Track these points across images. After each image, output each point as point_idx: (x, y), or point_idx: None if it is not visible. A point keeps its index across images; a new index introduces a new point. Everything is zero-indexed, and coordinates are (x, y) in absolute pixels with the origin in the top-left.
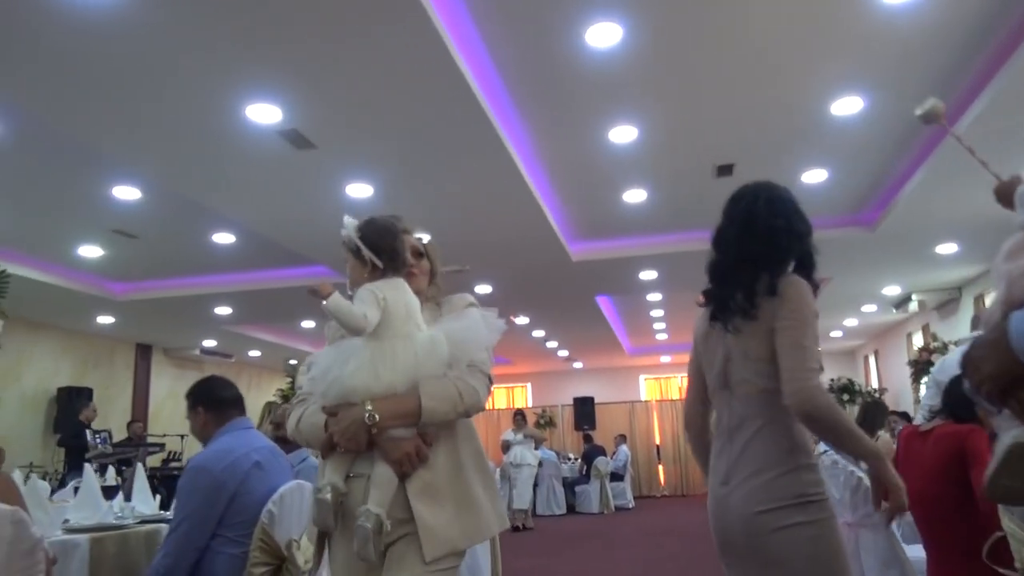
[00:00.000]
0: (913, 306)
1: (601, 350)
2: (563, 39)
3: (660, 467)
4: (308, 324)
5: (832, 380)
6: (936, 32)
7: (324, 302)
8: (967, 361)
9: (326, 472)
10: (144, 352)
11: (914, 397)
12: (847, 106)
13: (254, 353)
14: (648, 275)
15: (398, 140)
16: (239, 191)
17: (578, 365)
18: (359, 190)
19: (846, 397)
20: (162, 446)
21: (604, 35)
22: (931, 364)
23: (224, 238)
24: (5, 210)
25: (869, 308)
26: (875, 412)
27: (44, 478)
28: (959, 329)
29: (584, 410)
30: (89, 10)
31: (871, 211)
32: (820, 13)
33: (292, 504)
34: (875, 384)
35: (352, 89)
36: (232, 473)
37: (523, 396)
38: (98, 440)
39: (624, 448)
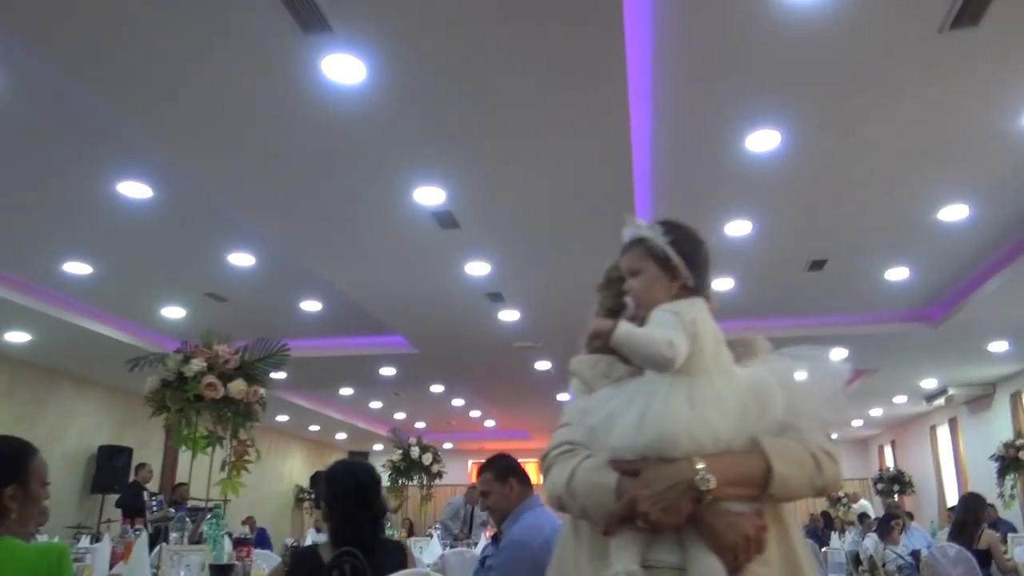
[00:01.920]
0: (940, 400)
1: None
2: (723, 142)
3: None
4: (346, 391)
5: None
6: None
7: (614, 334)
8: None
9: (613, 555)
10: None
11: (998, 491)
12: (954, 213)
13: (282, 418)
14: None
15: (531, 227)
16: (359, 260)
17: None
18: (477, 268)
19: (896, 487)
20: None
21: (759, 141)
22: (1019, 460)
23: (312, 305)
24: (111, 265)
25: (900, 399)
26: (975, 505)
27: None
28: (993, 425)
29: None
30: (322, 102)
31: (938, 308)
32: (945, 127)
33: None
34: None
35: (512, 180)
36: (548, 549)
37: (535, 472)
38: (154, 503)
39: None
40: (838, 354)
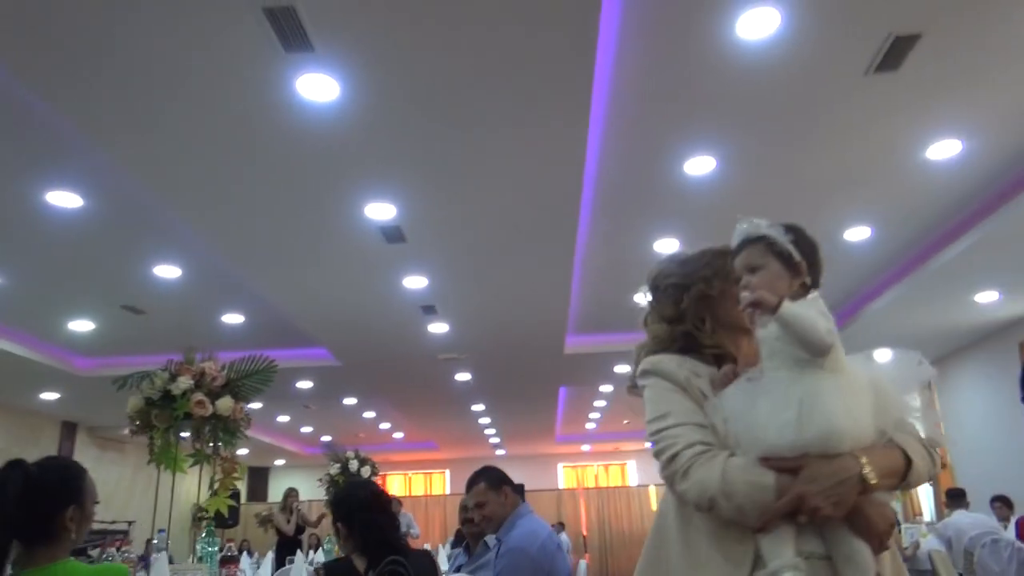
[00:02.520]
0: None
1: (531, 438)
2: (664, 165)
3: (587, 557)
4: (254, 405)
5: None
6: (945, 183)
7: (781, 310)
8: None
9: (768, 551)
10: (69, 431)
11: None
12: (858, 234)
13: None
14: (622, 368)
15: (476, 242)
16: (298, 273)
17: (501, 452)
18: (416, 281)
19: None
20: (125, 533)
21: (697, 165)
22: None
23: (234, 318)
24: (22, 277)
25: None
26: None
27: None
28: None
29: None
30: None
31: (836, 320)
32: (859, 158)
33: None
34: None
35: (465, 197)
36: (544, 554)
37: (441, 483)
38: None
39: (564, 536)
40: None
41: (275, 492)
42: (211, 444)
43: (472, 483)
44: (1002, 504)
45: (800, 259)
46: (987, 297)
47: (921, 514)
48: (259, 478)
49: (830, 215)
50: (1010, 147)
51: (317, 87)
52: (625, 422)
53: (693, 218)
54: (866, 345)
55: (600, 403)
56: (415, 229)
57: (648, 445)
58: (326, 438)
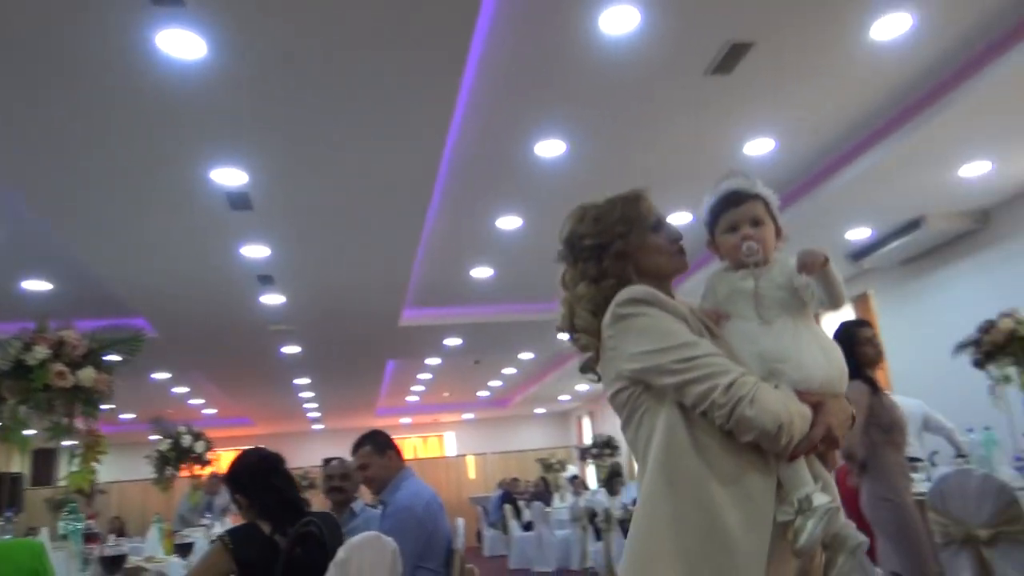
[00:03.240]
0: None
1: (352, 412)
2: (517, 145)
3: None
4: None
5: (596, 436)
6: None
7: (829, 265)
8: None
9: (791, 477)
10: None
11: None
12: (680, 219)
13: None
14: (453, 341)
15: (326, 213)
16: (124, 237)
17: (319, 427)
18: (256, 250)
19: (607, 451)
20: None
21: (548, 148)
22: None
23: (37, 285)
24: None
25: None
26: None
27: None
28: None
29: None
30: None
31: None
32: (690, 150)
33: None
34: (588, 441)
35: (322, 167)
36: (429, 513)
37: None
38: None
39: None
40: (565, 336)
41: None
42: (68, 418)
43: (358, 446)
44: None
45: (779, 218)
46: None
47: None
48: (45, 461)
49: (660, 200)
50: (816, 147)
51: (181, 43)
52: (446, 394)
53: (539, 198)
54: None
55: (425, 376)
56: (264, 197)
57: (615, 387)
58: (128, 415)
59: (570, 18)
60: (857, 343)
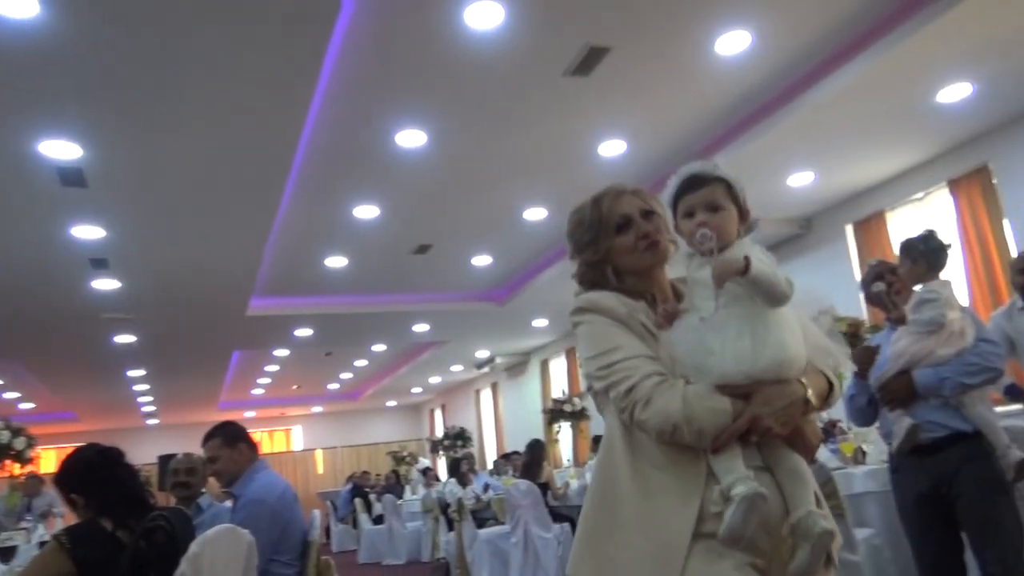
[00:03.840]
0: (487, 367)
1: (191, 405)
2: (377, 134)
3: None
4: None
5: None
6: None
7: (752, 269)
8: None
9: (723, 468)
10: None
11: (549, 438)
12: (536, 214)
13: None
14: (303, 332)
15: (170, 196)
16: None
17: (154, 421)
18: (89, 231)
19: (459, 443)
20: None
21: (408, 138)
22: (562, 413)
23: None
24: None
25: (457, 368)
26: (539, 448)
27: None
28: (526, 387)
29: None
30: None
31: (506, 290)
32: (546, 147)
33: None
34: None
35: (168, 146)
36: (283, 504)
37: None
38: None
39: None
40: (420, 328)
41: None
42: None
43: (207, 438)
44: None
45: (743, 200)
46: None
47: (565, 460)
48: None
49: (517, 196)
50: (666, 151)
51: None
52: (295, 387)
53: (398, 189)
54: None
55: (273, 368)
56: (100, 173)
57: (584, 386)
58: None
59: (435, 9)
60: None
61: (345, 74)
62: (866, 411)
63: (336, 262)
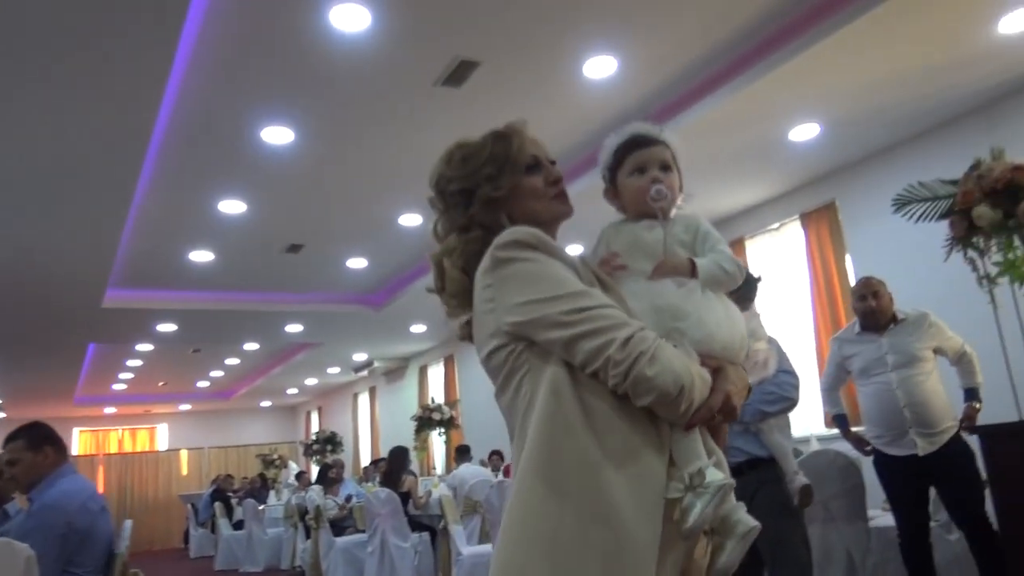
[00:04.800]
0: (365, 371)
1: (43, 400)
2: (242, 128)
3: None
4: None
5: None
6: None
7: (700, 270)
8: None
9: (686, 448)
10: None
11: (413, 444)
12: (411, 220)
13: None
14: (166, 327)
15: (13, 177)
16: None
17: (0, 415)
18: None
19: (329, 447)
20: None
21: (275, 135)
22: (431, 421)
23: None
24: None
25: (334, 370)
26: (401, 456)
27: None
28: (404, 393)
29: None
30: None
31: (382, 295)
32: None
33: None
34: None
35: (6, 124)
36: (84, 513)
37: None
38: None
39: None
40: (294, 329)
41: None
42: None
43: (9, 439)
44: (497, 456)
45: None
46: None
47: (435, 468)
48: None
49: (391, 201)
50: None
51: None
52: (161, 384)
53: (266, 186)
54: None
55: (135, 363)
56: None
57: (494, 342)
58: None
59: (299, 5)
60: None
61: (206, 60)
62: None
63: (201, 256)
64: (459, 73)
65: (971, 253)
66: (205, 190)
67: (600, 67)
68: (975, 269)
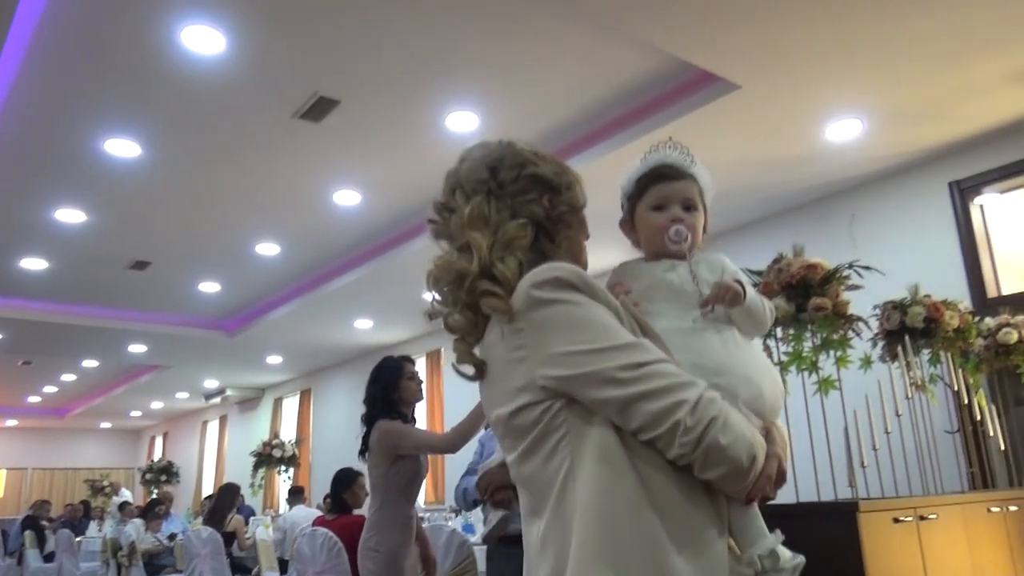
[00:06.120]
0: (217, 399)
1: None
2: (82, 137)
3: None
4: None
5: (152, 463)
6: (345, 225)
7: (748, 295)
8: (482, 480)
9: (747, 525)
10: None
11: (250, 481)
12: (268, 249)
13: None
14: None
15: None
16: None
17: None
18: None
19: (163, 477)
20: None
21: (119, 147)
22: (271, 458)
23: None
24: None
25: (182, 395)
26: (230, 494)
27: None
28: (256, 424)
29: None
30: None
31: (236, 321)
32: (277, 183)
33: None
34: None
35: None
36: None
37: None
38: None
39: None
40: (137, 348)
41: None
42: None
43: None
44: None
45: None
46: (363, 324)
47: (276, 508)
48: None
49: (247, 227)
50: (403, 209)
51: None
52: None
53: (109, 197)
54: (265, 348)
55: None
56: None
57: (524, 398)
58: None
59: (147, 18)
60: (404, 377)
61: (41, 62)
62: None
63: (33, 264)
64: (318, 109)
65: (768, 341)
66: (39, 195)
67: (462, 122)
68: (769, 356)
